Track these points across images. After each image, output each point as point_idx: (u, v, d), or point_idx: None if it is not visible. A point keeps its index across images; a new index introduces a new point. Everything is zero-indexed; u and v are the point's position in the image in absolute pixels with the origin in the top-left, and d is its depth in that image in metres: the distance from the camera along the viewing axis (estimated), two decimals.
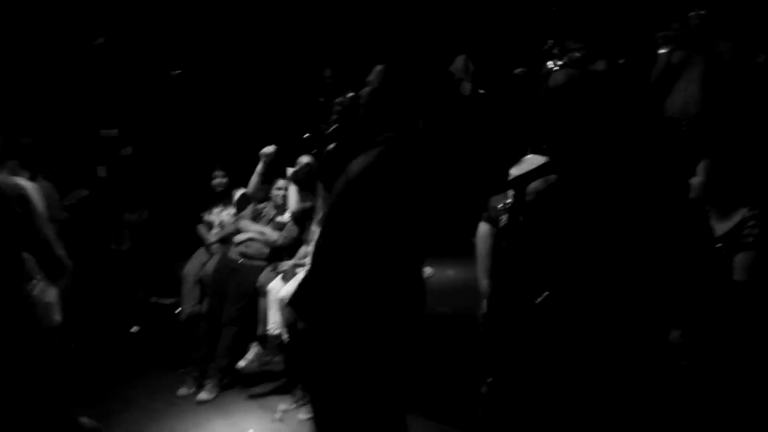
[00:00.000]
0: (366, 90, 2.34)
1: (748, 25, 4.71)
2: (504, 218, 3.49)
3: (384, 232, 2.08)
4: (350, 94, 2.41)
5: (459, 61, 6.52)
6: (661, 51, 4.57)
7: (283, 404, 3.89)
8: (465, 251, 4.32)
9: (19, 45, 5.68)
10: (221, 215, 5.03)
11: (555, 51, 5.19)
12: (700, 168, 2.96)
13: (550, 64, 5.23)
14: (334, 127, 2.37)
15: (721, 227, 2.92)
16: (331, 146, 2.33)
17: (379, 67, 2.34)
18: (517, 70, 5.83)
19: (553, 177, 3.39)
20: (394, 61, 2.32)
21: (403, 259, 2.16)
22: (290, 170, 4.69)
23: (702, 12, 4.47)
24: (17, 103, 5.19)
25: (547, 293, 2.93)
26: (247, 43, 6.91)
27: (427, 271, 4.83)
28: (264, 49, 6.95)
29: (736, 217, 2.87)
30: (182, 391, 4.16)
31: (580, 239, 3.23)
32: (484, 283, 3.54)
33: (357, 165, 2.16)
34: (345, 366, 2.07)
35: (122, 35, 6.42)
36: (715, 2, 4.59)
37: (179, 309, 4.78)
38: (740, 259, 2.75)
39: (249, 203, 4.77)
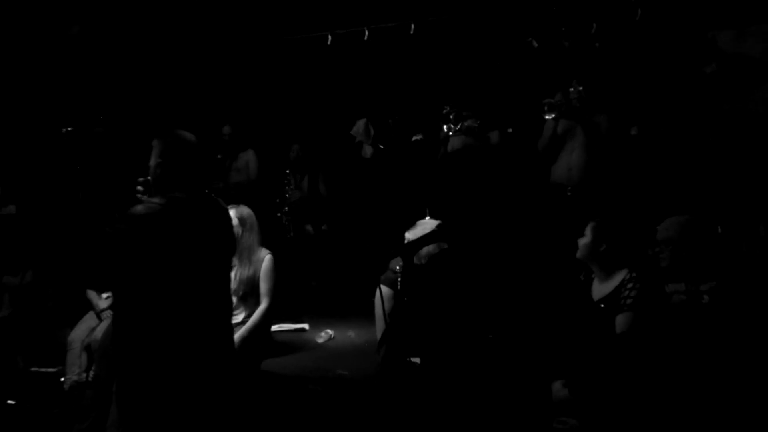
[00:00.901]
0: (152, 165, 2.54)
1: (621, 100, 5.18)
2: (401, 280, 3.56)
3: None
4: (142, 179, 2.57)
5: (360, 125, 6.71)
6: (547, 117, 4.90)
7: None
8: (366, 313, 4.36)
9: None
10: None
11: (451, 117, 5.46)
12: (588, 229, 3.15)
13: (445, 128, 5.48)
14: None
15: (603, 288, 3.10)
16: None
17: (155, 142, 2.57)
18: (416, 137, 6.06)
19: (444, 242, 3.51)
20: (166, 135, 2.56)
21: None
22: None
23: (580, 88, 4.88)
24: None
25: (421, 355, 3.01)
26: (142, 100, 6.80)
27: (329, 333, 4.82)
28: (160, 106, 6.86)
29: (617, 278, 3.06)
30: None
31: (466, 300, 3.34)
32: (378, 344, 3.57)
33: None
34: None
35: (11, 89, 6.16)
36: (592, 80, 5.02)
37: (63, 378, 4.49)
38: (620, 320, 2.93)
39: None
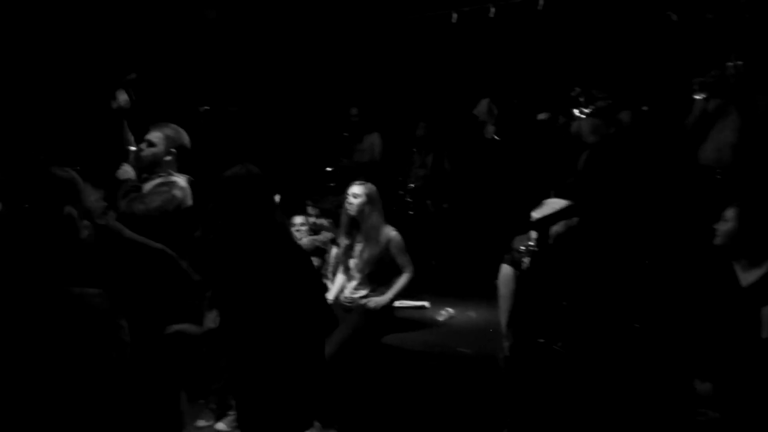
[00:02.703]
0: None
1: None
2: (526, 261, 3.51)
3: None
4: None
5: (483, 105, 6.63)
6: (697, 97, 4.54)
7: None
8: (487, 293, 4.34)
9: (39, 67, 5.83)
10: None
11: (581, 99, 5.25)
12: (730, 214, 2.95)
13: (576, 111, 5.28)
14: None
15: (747, 277, 2.89)
16: None
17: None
18: (541, 115, 5.90)
19: (574, 221, 3.41)
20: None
21: None
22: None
23: (740, 63, 4.47)
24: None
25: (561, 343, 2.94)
26: (276, 81, 7.08)
27: (449, 311, 4.83)
28: (292, 87, 7.12)
29: (765, 267, 2.85)
30: (201, 422, 4.15)
31: (601, 285, 3.23)
32: (506, 324, 3.55)
33: None
34: None
35: (153, 70, 6.57)
36: (753, 54, 4.57)
37: None
38: (766, 312, 2.73)
39: None
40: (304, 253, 2.61)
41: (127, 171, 3.31)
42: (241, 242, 2.45)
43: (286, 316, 2.38)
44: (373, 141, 6.82)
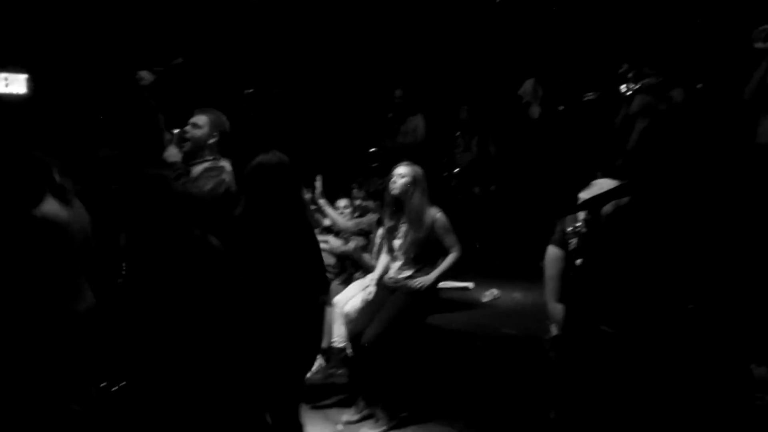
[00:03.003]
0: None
1: None
2: (574, 241, 3.44)
3: None
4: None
5: (527, 85, 6.54)
6: (760, 45, 4.26)
7: (346, 416, 3.91)
8: (531, 274, 4.30)
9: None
10: None
11: (629, 76, 5.10)
12: None
13: (623, 88, 5.14)
14: None
15: None
16: None
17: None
18: (589, 95, 5.78)
19: (624, 200, 3.34)
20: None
21: None
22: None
23: None
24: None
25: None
26: (320, 63, 7.10)
27: (494, 292, 4.82)
28: (336, 69, 7.13)
29: None
30: None
31: (653, 265, 3.16)
32: (552, 306, 3.50)
33: None
34: None
35: (198, 54, 6.66)
36: None
37: None
38: None
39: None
40: (313, 234, 2.98)
41: (173, 153, 3.39)
42: (263, 220, 2.76)
43: (290, 282, 2.77)
44: (417, 123, 6.80)
